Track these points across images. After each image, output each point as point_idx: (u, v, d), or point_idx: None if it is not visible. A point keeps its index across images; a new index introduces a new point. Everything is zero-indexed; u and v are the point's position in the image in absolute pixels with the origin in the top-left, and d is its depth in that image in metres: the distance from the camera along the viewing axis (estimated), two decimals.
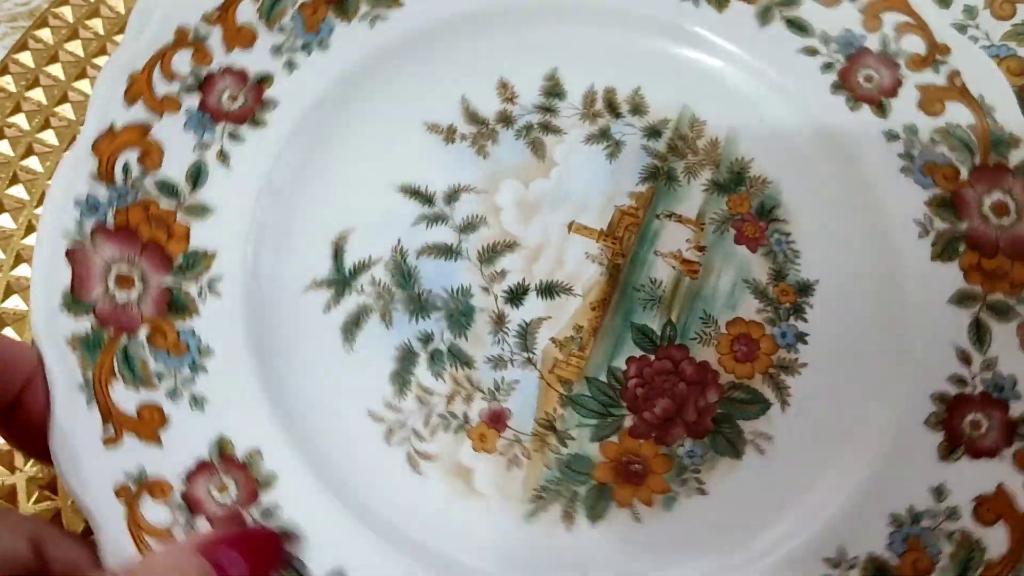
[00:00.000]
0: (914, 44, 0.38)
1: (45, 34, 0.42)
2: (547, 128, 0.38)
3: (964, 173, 0.37)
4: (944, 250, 0.36)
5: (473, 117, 0.38)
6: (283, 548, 0.30)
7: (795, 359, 0.35)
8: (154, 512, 0.30)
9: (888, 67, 0.38)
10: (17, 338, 0.38)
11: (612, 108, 0.39)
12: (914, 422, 0.33)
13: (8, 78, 0.41)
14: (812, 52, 0.39)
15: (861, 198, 0.37)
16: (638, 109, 0.39)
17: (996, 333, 0.35)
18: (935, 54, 0.38)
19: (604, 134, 0.38)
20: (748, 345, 0.35)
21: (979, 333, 0.35)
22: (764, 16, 0.39)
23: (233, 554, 0.28)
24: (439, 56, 0.38)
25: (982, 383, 0.34)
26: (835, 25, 0.39)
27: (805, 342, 0.35)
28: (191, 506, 0.31)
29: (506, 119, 0.38)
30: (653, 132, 0.38)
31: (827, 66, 0.38)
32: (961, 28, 0.41)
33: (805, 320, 0.36)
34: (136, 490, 0.30)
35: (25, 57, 0.42)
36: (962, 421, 0.34)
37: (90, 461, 0.30)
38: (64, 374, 0.30)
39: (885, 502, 0.32)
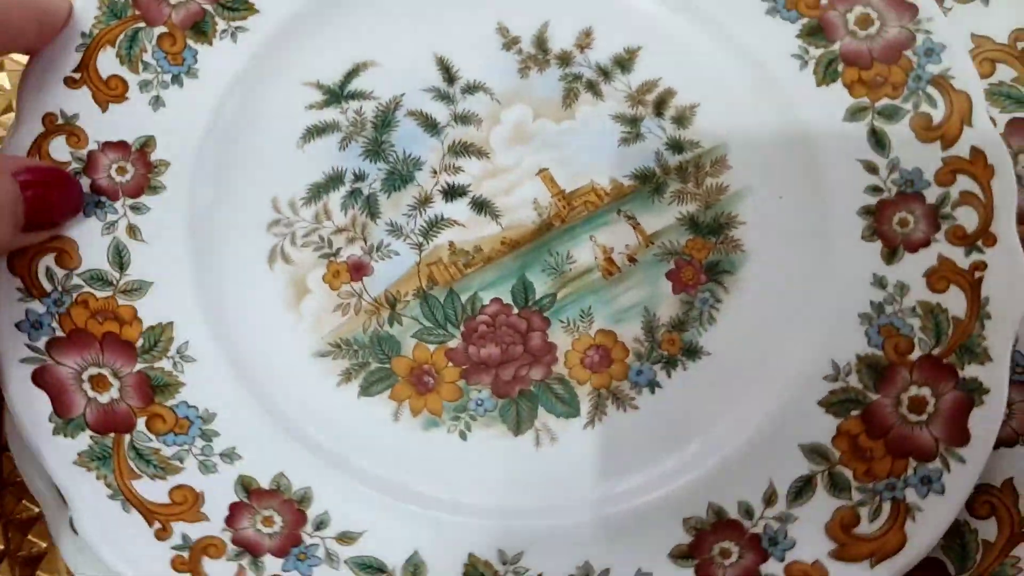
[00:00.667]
0: (967, 218, 0.37)
1: None
2: (591, 87, 0.41)
3: (915, 353, 0.36)
4: (839, 403, 0.36)
5: (541, 43, 0.41)
6: (81, 197, 0.36)
7: (632, 398, 0.37)
8: (58, 151, 0.37)
9: (930, 225, 0.38)
10: None
11: (659, 106, 0.41)
12: (674, 513, 0.34)
13: None
14: (872, 169, 0.39)
15: (803, 314, 0.37)
16: (681, 121, 0.40)
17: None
18: (979, 240, 0.37)
19: (633, 121, 0.40)
20: (602, 358, 0.37)
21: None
22: (856, 113, 0.39)
23: (40, 182, 0.34)
24: None
25: None
26: (912, 159, 0.38)
27: (653, 392, 0.37)
28: (89, 165, 0.37)
29: (565, 60, 0.41)
30: (676, 146, 0.40)
31: (874, 189, 0.38)
32: None
33: (669, 376, 0.37)
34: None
35: None
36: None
37: None
38: None
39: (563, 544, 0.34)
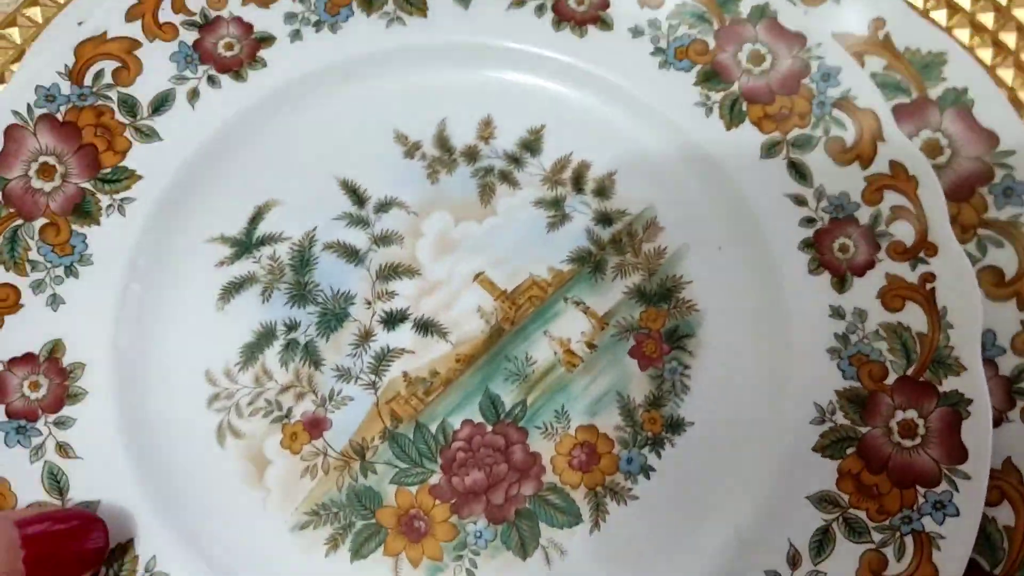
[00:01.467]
0: (904, 232, 0.38)
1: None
2: (505, 177, 0.41)
3: (891, 377, 0.37)
4: (832, 444, 0.36)
5: (443, 142, 0.41)
6: (98, 535, 0.33)
7: (629, 488, 0.36)
8: None
9: (869, 245, 0.39)
10: None
11: (577, 181, 0.41)
12: None
13: None
14: (800, 201, 0.40)
15: (773, 361, 0.38)
16: (603, 192, 0.41)
17: None
18: (921, 251, 0.38)
19: (556, 203, 0.40)
20: (589, 456, 0.37)
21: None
22: (771, 148, 0.40)
23: (45, 534, 0.32)
24: (444, 74, 0.42)
25: None
26: (836, 184, 0.40)
27: (648, 477, 0.36)
28: None
29: (472, 155, 0.41)
30: (605, 219, 0.40)
31: (808, 220, 0.39)
32: None
33: (659, 456, 0.37)
34: None
35: None
36: None
37: None
38: None
39: None
